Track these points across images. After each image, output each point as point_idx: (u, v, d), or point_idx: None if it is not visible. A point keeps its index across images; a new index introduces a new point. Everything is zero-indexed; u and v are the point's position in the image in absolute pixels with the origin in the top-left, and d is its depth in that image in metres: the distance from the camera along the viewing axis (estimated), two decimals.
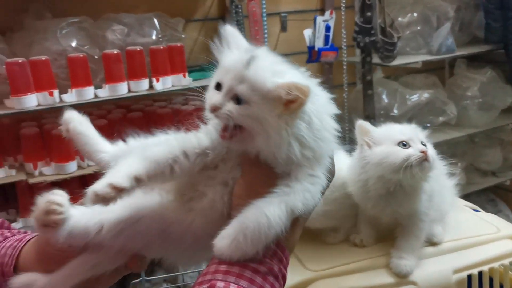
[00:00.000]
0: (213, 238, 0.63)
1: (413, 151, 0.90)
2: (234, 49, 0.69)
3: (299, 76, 0.66)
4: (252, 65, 0.63)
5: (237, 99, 0.63)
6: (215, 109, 0.64)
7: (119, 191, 0.60)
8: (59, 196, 0.64)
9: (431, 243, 1.02)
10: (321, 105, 0.67)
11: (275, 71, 0.64)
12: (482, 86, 2.60)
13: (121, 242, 0.70)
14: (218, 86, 0.66)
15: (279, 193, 0.64)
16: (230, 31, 0.70)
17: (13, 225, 1.66)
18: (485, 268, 0.98)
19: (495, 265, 0.99)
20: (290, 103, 0.61)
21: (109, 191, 0.59)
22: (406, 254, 0.96)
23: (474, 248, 1.02)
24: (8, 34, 1.87)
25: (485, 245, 1.03)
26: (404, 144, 0.91)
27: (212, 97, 0.65)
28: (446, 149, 2.61)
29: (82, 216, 0.68)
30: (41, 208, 0.62)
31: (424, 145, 0.92)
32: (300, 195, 0.64)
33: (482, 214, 1.18)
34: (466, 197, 2.64)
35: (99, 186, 0.59)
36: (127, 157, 0.65)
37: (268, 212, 0.61)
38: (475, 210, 1.19)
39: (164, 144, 0.68)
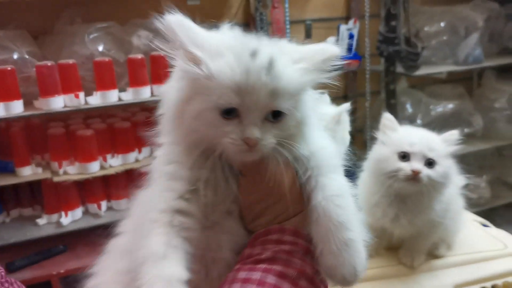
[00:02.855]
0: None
1: (405, 167, 0.91)
2: (196, 50, 0.52)
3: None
4: (275, 67, 0.51)
5: (273, 116, 0.52)
6: (255, 144, 0.51)
7: None
8: None
9: (433, 256, 1.02)
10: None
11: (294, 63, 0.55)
12: (510, 98, 2.55)
13: None
14: (229, 113, 0.52)
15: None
16: (175, 22, 0.52)
17: (38, 221, 1.75)
18: (487, 284, 0.97)
19: (499, 282, 0.98)
20: None
21: None
22: (416, 249, 1.01)
23: (478, 263, 1.01)
24: (41, 37, 1.95)
25: (490, 261, 1.02)
26: (404, 156, 0.92)
27: (233, 129, 0.52)
28: (472, 161, 2.55)
29: None
30: None
31: (431, 163, 0.92)
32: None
33: (492, 229, 1.16)
34: (492, 211, 2.61)
35: None
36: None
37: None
38: (484, 225, 1.18)
39: (157, 235, 0.54)
